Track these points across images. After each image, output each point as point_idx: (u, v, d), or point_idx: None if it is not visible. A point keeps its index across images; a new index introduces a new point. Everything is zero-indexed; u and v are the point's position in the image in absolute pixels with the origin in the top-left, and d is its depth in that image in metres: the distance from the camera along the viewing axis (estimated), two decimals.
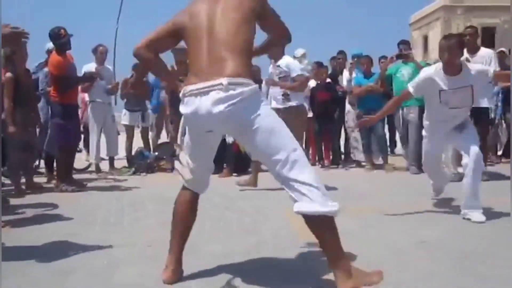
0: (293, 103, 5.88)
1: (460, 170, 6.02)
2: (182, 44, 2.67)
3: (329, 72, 8.50)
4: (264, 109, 2.44)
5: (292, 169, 2.37)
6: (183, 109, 2.52)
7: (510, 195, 3.73)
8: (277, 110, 5.03)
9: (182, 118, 2.71)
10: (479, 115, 6.05)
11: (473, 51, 6.40)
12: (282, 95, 5.92)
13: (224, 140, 8.11)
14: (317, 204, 2.33)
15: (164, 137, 9.19)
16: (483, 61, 6.29)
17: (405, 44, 7.81)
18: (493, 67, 6.29)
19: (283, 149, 2.38)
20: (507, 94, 7.69)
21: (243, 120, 2.39)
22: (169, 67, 7.55)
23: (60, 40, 6.04)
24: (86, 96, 7.63)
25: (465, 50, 6.47)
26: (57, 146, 6.17)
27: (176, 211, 2.79)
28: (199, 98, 2.40)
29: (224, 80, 2.34)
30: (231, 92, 2.34)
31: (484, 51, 6.46)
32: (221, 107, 2.35)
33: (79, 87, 6.92)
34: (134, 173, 7.57)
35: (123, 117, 8.35)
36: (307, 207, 2.34)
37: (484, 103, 6.37)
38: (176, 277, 2.71)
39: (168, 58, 7.77)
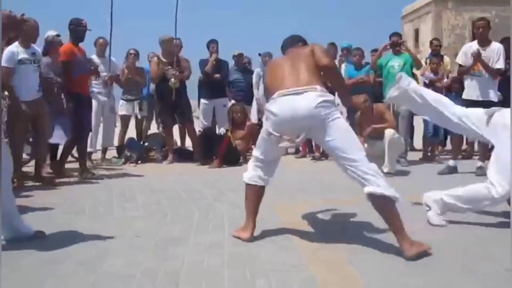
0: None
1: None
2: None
3: None
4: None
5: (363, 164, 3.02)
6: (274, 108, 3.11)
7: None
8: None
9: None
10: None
11: (485, 44, 6.37)
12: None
13: (214, 131, 8.13)
14: (382, 188, 2.95)
15: (154, 128, 9.15)
16: (493, 55, 6.26)
17: (397, 36, 7.79)
18: (501, 63, 6.25)
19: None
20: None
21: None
22: (155, 59, 7.56)
23: (80, 27, 6.11)
24: None
25: (475, 42, 6.47)
26: (71, 136, 6.13)
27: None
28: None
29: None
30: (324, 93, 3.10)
31: (495, 45, 6.36)
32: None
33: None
34: (124, 163, 7.56)
35: (120, 107, 8.27)
36: (375, 189, 2.95)
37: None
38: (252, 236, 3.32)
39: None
